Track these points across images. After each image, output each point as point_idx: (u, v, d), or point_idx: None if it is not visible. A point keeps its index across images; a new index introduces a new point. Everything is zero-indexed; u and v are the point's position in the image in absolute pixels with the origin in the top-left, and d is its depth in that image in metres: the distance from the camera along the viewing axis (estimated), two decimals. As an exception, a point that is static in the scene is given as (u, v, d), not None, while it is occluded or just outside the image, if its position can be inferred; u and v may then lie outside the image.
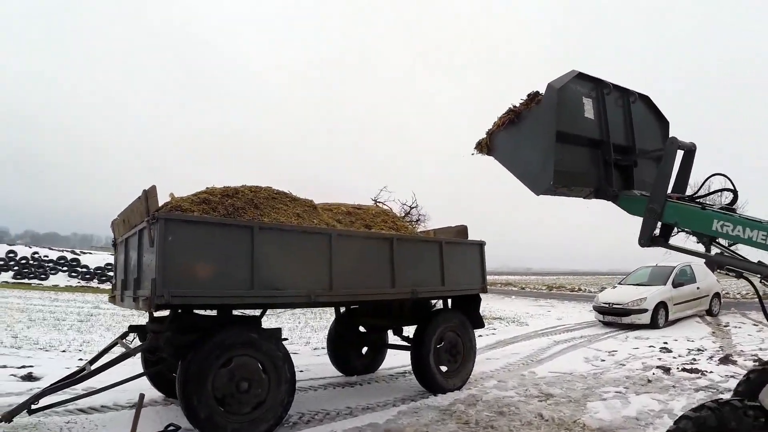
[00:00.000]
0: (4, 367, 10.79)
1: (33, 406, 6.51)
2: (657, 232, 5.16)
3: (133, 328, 8.60)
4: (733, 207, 4.86)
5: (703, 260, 5.11)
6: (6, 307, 22.49)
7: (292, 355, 7.45)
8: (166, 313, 7.04)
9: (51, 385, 7.17)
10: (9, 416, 6.22)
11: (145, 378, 8.15)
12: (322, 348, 14.39)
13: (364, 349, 11.63)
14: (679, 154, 5.27)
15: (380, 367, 11.89)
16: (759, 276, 4.43)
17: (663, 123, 6.21)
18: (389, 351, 11.79)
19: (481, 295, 10.80)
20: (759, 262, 4.40)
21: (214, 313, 7.58)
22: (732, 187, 4.93)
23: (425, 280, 9.29)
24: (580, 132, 5.35)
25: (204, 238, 6.61)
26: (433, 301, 10.47)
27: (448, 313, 10.21)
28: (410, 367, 9.86)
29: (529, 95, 5.60)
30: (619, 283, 23.53)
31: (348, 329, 11.29)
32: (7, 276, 42.01)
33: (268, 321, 18.12)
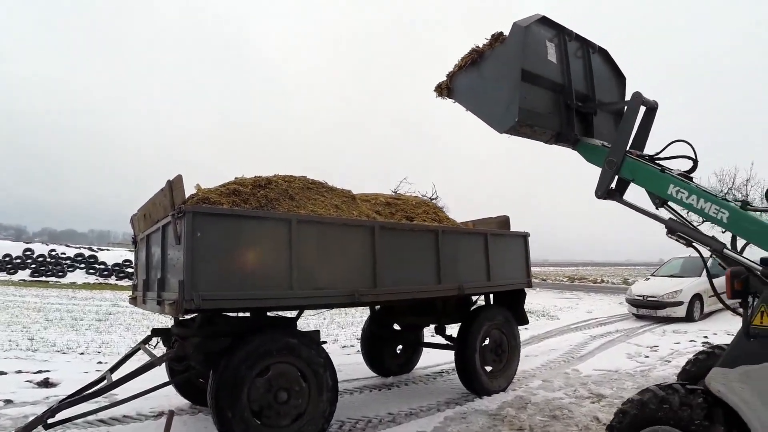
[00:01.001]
0: (20, 372, 10.31)
1: (49, 420, 5.88)
2: (614, 186, 5.17)
3: (156, 332, 7.94)
4: (691, 175, 4.90)
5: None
6: (23, 307, 22.15)
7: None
8: (193, 314, 6.49)
9: (68, 397, 6.57)
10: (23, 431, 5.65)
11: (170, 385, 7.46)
12: (351, 346, 13.97)
13: (399, 348, 11.10)
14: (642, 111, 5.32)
15: (415, 367, 11.39)
16: (708, 248, 4.47)
17: (620, 79, 6.34)
18: (423, 349, 11.37)
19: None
20: (713, 237, 4.46)
21: (246, 314, 7.02)
22: (693, 155, 4.87)
23: (471, 275, 8.70)
24: (543, 74, 5.37)
25: (236, 234, 5.98)
26: (474, 297, 9.88)
27: (492, 309, 9.61)
28: (446, 365, 9.59)
29: (492, 35, 5.52)
30: (652, 275, 22.92)
31: (383, 327, 10.72)
32: (24, 274, 42.03)
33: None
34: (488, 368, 9.15)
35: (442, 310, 9.75)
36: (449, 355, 10.39)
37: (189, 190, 6.71)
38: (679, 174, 4.80)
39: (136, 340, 13.62)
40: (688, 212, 4.79)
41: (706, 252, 4.70)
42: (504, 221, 10.45)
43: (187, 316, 6.72)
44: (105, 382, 6.74)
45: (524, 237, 10.16)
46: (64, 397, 6.82)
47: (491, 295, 9.96)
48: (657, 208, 4.89)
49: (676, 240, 4.76)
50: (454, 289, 8.30)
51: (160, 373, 7.68)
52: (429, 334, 11.55)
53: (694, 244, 4.66)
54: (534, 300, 30.33)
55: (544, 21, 5.42)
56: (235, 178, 7.29)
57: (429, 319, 10.04)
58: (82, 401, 6.19)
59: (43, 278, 41.51)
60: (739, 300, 4.13)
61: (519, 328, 10.00)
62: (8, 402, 8.19)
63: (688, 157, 4.89)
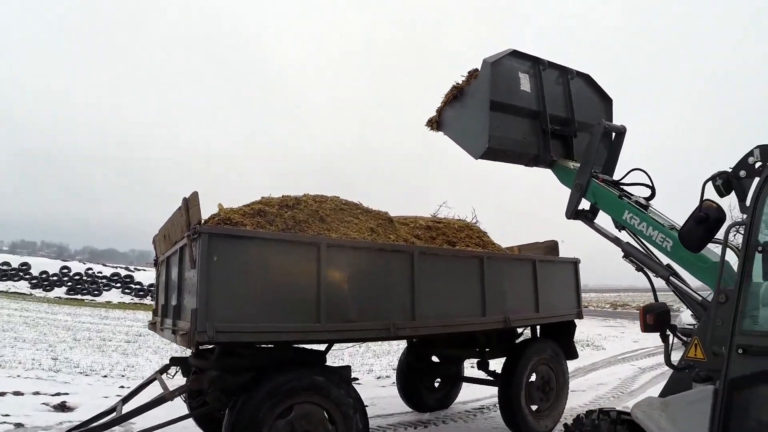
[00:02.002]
0: (37, 393, 10.03)
1: None
2: (587, 207, 5.60)
3: (175, 361, 7.41)
4: (649, 203, 5.09)
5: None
6: (53, 325, 22.03)
7: (354, 384, 6.16)
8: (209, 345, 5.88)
9: (76, 428, 6.18)
10: None
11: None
12: (387, 377, 13.35)
13: (437, 382, 10.47)
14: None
15: (453, 402, 10.71)
16: (655, 274, 4.74)
17: (606, 101, 6.77)
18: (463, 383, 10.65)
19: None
20: (668, 266, 4.70)
21: (269, 345, 6.37)
22: (650, 183, 5.15)
23: (518, 306, 8.03)
24: (517, 103, 5.92)
25: (258, 258, 5.38)
26: (519, 329, 9.14)
27: (540, 343, 8.96)
28: (488, 401, 9.24)
29: (469, 72, 6.17)
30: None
31: (420, 360, 10.03)
32: (60, 291, 42.30)
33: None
34: (534, 407, 8.48)
35: (485, 342, 9.07)
36: (491, 389, 9.72)
37: (211, 210, 6.17)
38: (637, 201, 5.07)
39: (162, 365, 13.19)
40: (638, 238, 5.02)
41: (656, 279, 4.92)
42: (552, 246, 9.79)
43: (207, 346, 6.03)
44: (114, 414, 6.28)
45: (575, 263, 9.49)
46: (72, 427, 6.42)
47: (538, 327, 9.28)
48: (619, 231, 5.20)
49: (629, 262, 5.05)
50: (499, 322, 7.62)
51: (180, 403, 7.03)
52: (469, 365, 10.79)
53: (645, 270, 4.90)
54: (577, 328, 29.40)
55: (516, 54, 6.03)
56: (262, 197, 6.68)
57: (470, 352, 9.36)
58: (93, 432, 5.70)
59: (79, 296, 41.69)
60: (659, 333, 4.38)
61: (567, 362, 9.33)
62: (19, 426, 7.84)
63: (646, 185, 5.18)
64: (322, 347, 6.84)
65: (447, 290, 6.97)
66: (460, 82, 6.31)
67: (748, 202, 3.65)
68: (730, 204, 4.43)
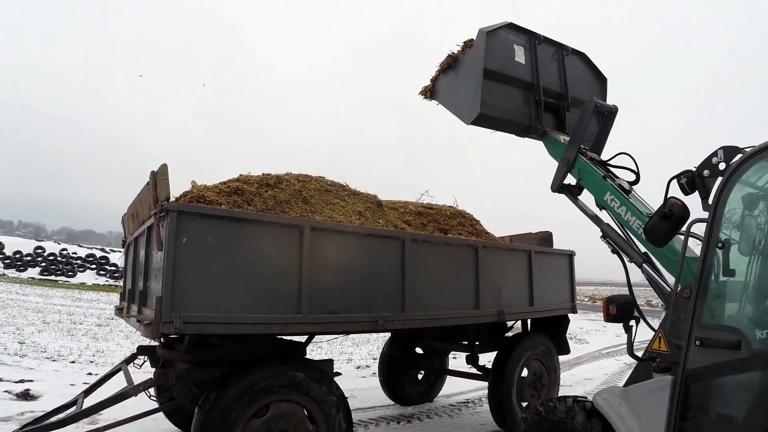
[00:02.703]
0: (0, 380, 9.67)
1: None
2: (573, 183, 5.58)
3: (143, 350, 6.82)
4: (632, 188, 5.03)
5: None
6: (23, 307, 21.41)
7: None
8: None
9: (32, 423, 5.75)
10: None
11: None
12: (367, 366, 13.05)
13: (421, 375, 10.15)
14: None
15: (437, 395, 10.40)
16: (629, 259, 4.73)
17: (601, 80, 6.87)
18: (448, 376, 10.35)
19: None
20: (636, 250, 4.70)
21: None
22: (635, 169, 5.13)
23: (512, 299, 7.64)
24: (511, 73, 5.98)
25: (233, 241, 4.86)
26: (509, 322, 8.71)
27: (533, 337, 8.59)
28: (473, 394, 9.10)
29: (465, 42, 6.21)
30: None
31: (404, 351, 9.68)
32: (34, 272, 41.58)
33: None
34: (525, 404, 8.12)
35: (474, 335, 8.70)
36: (476, 382, 9.58)
37: (184, 188, 5.69)
38: (620, 184, 5.02)
39: (134, 351, 12.78)
40: (615, 220, 4.99)
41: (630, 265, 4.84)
42: (546, 238, 9.45)
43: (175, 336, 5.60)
44: (75, 408, 5.80)
45: (570, 256, 9.16)
46: (31, 420, 6.15)
47: (529, 321, 8.93)
48: (600, 210, 5.20)
49: (606, 244, 5.04)
50: (494, 315, 7.24)
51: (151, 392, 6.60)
52: (452, 356, 10.71)
53: (621, 254, 4.87)
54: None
55: (512, 27, 6.09)
56: (240, 175, 6.16)
57: (458, 345, 9.03)
58: (47, 430, 5.26)
59: (53, 277, 40.95)
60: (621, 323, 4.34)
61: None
62: (-25, 416, 7.41)
63: (631, 170, 5.14)
64: (302, 338, 6.34)
65: (439, 281, 6.57)
66: (456, 52, 6.35)
67: (710, 201, 3.76)
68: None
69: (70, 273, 42.35)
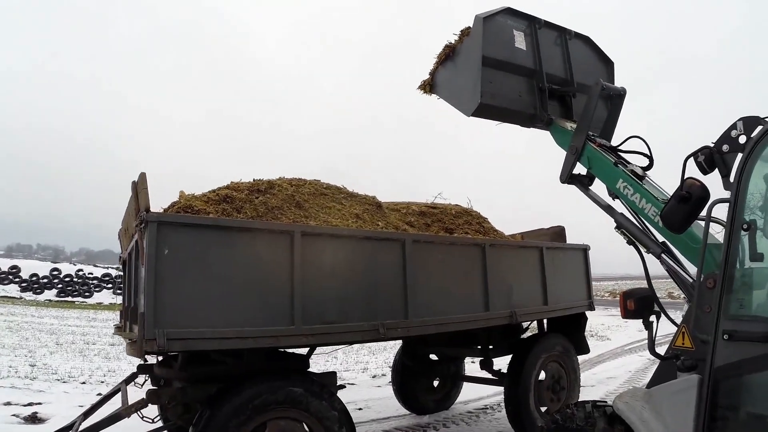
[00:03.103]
0: (8, 404, 9.56)
1: None
2: (584, 172, 5.31)
3: (142, 369, 6.61)
4: (645, 173, 4.81)
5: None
6: (36, 329, 21.47)
7: (348, 386, 5.41)
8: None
9: None
10: None
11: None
12: (383, 375, 12.77)
13: (436, 382, 9.84)
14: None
15: (454, 402, 10.08)
16: (647, 250, 4.47)
17: (608, 64, 6.64)
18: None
19: None
20: (654, 240, 4.45)
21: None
22: (648, 153, 4.94)
23: (525, 299, 7.32)
24: (511, 60, 5.76)
25: (219, 251, 4.62)
26: (524, 323, 8.43)
27: (549, 338, 8.25)
28: (491, 399, 8.83)
29: (462, 31, 5.99)
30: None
31: (417, 359, 9.39)
32: (50, 294, 41.68)
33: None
34: (544, 408, 7.80)
35: (486, 339, 8.38)
36: (494, 387, 9.15)
37: (173, 198, 5.50)
38: (633, 170, 4.77)
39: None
40: (629, 209, 4.76)
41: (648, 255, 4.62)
42: (559, 233, 9.14)
43: (171, 353, 5.37)
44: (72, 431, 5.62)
45: (584, 250, 8.82)
46: None
47: (545, 321, 8.63)
48: (613, 200, 4.95)
49: (621, 235, 4.80)
50: (505, 317, 6.93)
51: (153, 412, 6.40)
52: (470, 361, 10.34)
53: (637, 245, 4.62)
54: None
55: (511, 12, 5.86)
56: (231, 182, 5.94)
57: (471, 350, 8.73)
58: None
59: (69, 298, 41.10)
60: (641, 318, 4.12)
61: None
62: (-20, 441, 7.33)
63: (645, 154, 4.94)
64: (304, 350, 6.08)
65: (444, 283, 6.29)
66: (453, 42, 6.13)
67: (732, 179, 3.49)
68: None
69: (86, 294, 42.51)
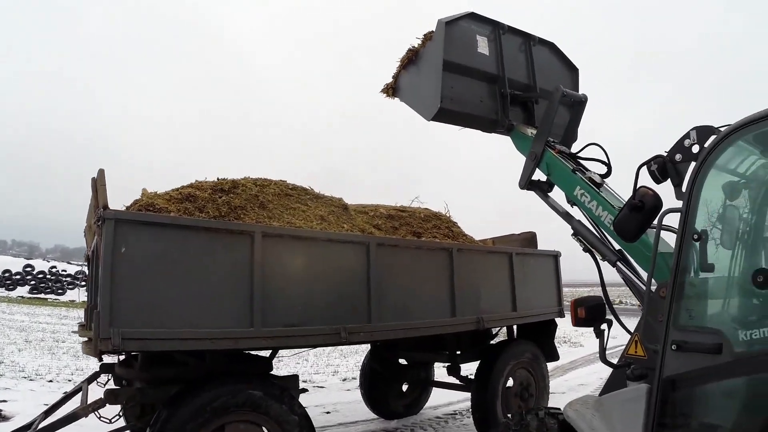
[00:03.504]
0: None
1: None
2: (544, 178, 5.34)
3: (105, 368, 6.53)
4: (603, 181, 4.87)
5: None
6: (6, 326, 21.26)
7: (317, 389, 5.35)
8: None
9: None
10: None
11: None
12: (353, 379, 12.60)
13: (405, 387, 9.74)
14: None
15: (423, 407, 10.01)
16: (602, 257, 4.51)
17: (572, 70, 6.70)
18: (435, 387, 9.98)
19: None
20: (610, 248, 4.49)
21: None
22: (606, 160, 5.00)
23: (493, 305, 7.32)
24: (473, 65, 5.76)
25: (177, 250, 4.56)
26: (493, 329, 8.45)
27: (518, 345, 8.23)
28: (461, 405, 8.79)
29: (425, 35, 6.02)
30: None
31: (385, 363, 9.31)
32: (23, 290, 41.21)
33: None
34: (510, 416, 7.52)
35: (455, 344, 8.33)
36: (465, 393, 8.97)
37: (136, 196, 5.44)
38: (590, 178, 4.81)
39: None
40: (587, 216, 4.77)
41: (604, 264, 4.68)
42: (530, 238, 9.09)
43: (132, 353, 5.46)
44: (30, 431, 5.48)
45: (555, 257, 8.81)
46: None
47: (515, 327, 8.61)
48: (571, 207, 4.97)
49: (578, 242, 4.81)
50: (472, 323, 6.90)
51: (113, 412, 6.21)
52: (440, 366, 9.97)
53: (593, 252, 4.65)
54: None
55: (474, 17, 5.87)
56: (195, 180, 5.87)
57: (439, 355, 8.68)
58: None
59: (42, 295, 40.60)
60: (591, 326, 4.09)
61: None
62: (-59, 438, 7.18)
63: (603, 162, 4.99)
64: (267, 353, 6.02)
65: (410, 288, 6.27)
66: (416, 46, 6.18)
67: (684, 188, 3.47)
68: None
69: (59, 291, 42.09)
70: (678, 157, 3.68)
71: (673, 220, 3.56)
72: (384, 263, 5.91)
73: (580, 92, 5.94)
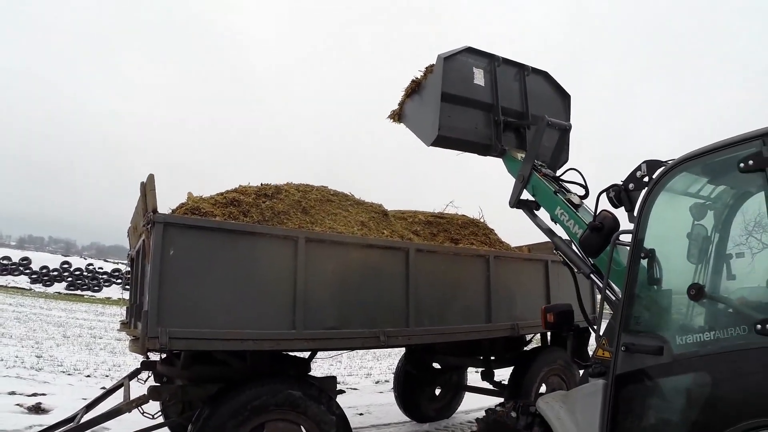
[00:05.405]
0: (13, 393, 9.60)
1: None
2: (532, 198, 5.76)
3: (146, 365, 6.68)
4: (582, 202, 5.23)
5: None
6: (44, 321, 21.47)
7: (350, 391, 5.44)
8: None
9: None
10: None
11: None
12: (386, 381, 12.70)
13: (438, 391, 9.81)
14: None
15: (456, 411, 10.05)
16: (578, 270, 4.90)
17: (564, 97, 7.10)
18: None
19: None
20: (583, 260, 4.81)
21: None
22: (583, 183, 5.41)
23: (528, 311, 7.30)
24: (470, 95, 6.19)
25: (223, 253, 4.70)
26: (527, 336, 8.41)
27: (551, 352, 8.21)
28: None
29: (426, 68, 6.44)
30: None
31: (419, 367, 9.33)
32: (60, 287, 41.67)
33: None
34: None
35: (489, 350, 8.35)
36: (497, 398, 8.78)
37: (182, 199, 5.54)
38: (569, 199, 5.22)
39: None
40: (566, 233, 5.17)
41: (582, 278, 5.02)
42: None
43: (175, 352, 5.47)
44: (73, 424, 5.65)
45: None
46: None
47: (548, 334, 8.56)
48: (554, 225, 5.40)
49: (559, 256, 5.23)
50: (506, 330, 6.96)
51: (154, 408, 6.44)
52: (473, 370, 10.08)
53: (571, 266, 5.03)
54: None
55: (471, 51, 6.32)
56: (239, 185, 6.03)
57: (474, 360, 8.69)
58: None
59: (79, 292, 41.15)
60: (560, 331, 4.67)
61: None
62: (-16, 428, 7.34)
63: (581, 185, 5.42)
64: (305, 354, 6.13)
65: (447, 293, 6.35)
66: (419, 77, 6.60)
67: (635, 213, 3.87)
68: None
69: (95, 288, 42.52)
70: (631, 186, 4.17)
71: (628, 239, 3.94)
72: (422, 269, 5.99)
73: (564, 121, 6.61)
